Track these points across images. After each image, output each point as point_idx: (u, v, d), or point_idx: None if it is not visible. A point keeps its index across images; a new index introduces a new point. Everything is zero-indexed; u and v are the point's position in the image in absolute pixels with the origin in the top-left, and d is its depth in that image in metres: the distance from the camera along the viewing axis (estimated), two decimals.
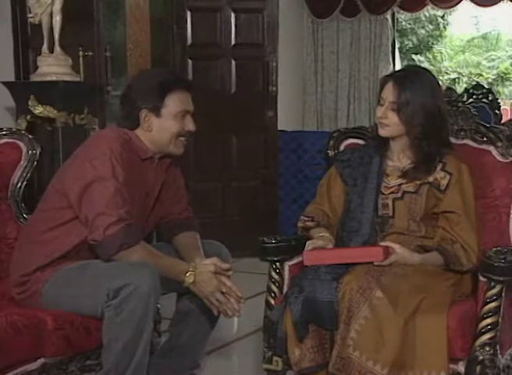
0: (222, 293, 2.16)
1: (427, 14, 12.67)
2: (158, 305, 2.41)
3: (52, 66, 3.73)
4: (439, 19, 14.81)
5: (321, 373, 2.11)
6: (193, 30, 5.00)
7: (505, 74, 14.98)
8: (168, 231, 2.46)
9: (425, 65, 13.54)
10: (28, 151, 2.69)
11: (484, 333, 1.97)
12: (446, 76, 14.76)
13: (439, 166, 2.24)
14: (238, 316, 2.20)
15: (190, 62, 5.03)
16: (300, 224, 2.39)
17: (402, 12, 6.19)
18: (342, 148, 2.61)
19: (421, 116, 2.21)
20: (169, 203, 2.45)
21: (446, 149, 2.28)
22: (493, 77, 14.92)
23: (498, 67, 15.04)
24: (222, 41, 5.07)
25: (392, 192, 2.28)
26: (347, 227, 2.31)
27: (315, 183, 2.62)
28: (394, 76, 2.30)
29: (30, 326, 2.07)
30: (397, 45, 6.93)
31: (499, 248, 2.04)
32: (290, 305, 2.09)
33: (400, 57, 10.14)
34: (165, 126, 2.28)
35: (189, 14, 4.98)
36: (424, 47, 15.21)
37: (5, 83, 3.81)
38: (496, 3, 5.77)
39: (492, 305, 1.99)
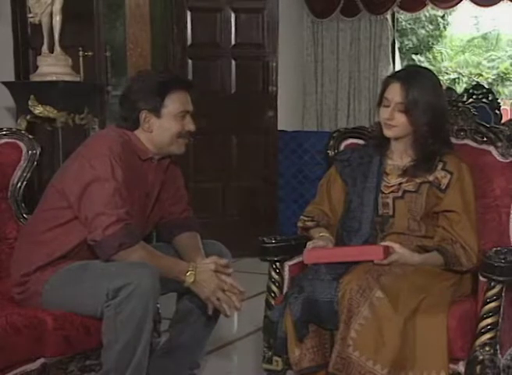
0: (223, 291, 2.16)
1: (427, 14, 12.69)
2: (158, 305, 2.41)
3: (52, 66, 3.73)
4: (439, 19, 14.83)
5: (321, 373, 2.11)
6: (193, 30, 5.00)
7: (505, 74, 15.00)
8: (169, 231, 2.46)
9: (425, 65, 13.52)
10: (28, 151, 2.69)
11: (484, 333, 1.97)
12: (446, 77, 14.77)
13: (440, 165, 2.24)
14: (239, 309, 2.20)
15: (189, 62, 5.02)
16: (299, 224, 2.39)
17: (402, 12, 6.19)
18: (342, 147, 2.61)
19: (429, 115, 2.20)
20: (169, 203, 2.44)
21: (447, 148, 2.28)
22: (493, 77, 14.93)
23: (498, 67, 15.05)
24: (222, 41, 5.07)
25: (392, 191, 2.27)
26: (347, 227, 2.31)
27: (315, 183, 2.61)
28: (398, 76, 2.28)
29: (30, 326, 2.07)
30: (397, 45, 6.92)
31: (499, 248, 2.03)
32: (290, 305, 2.09)
33: (400, 57, 10.12)
34: (165, 126, 2.28)
35: (189, 14, 4.98)
36: (424, 47, 15.21)
37: (5, 83, 3.81)
38: (495, 3, 5.77)
39: (492, 305, 1.98)
